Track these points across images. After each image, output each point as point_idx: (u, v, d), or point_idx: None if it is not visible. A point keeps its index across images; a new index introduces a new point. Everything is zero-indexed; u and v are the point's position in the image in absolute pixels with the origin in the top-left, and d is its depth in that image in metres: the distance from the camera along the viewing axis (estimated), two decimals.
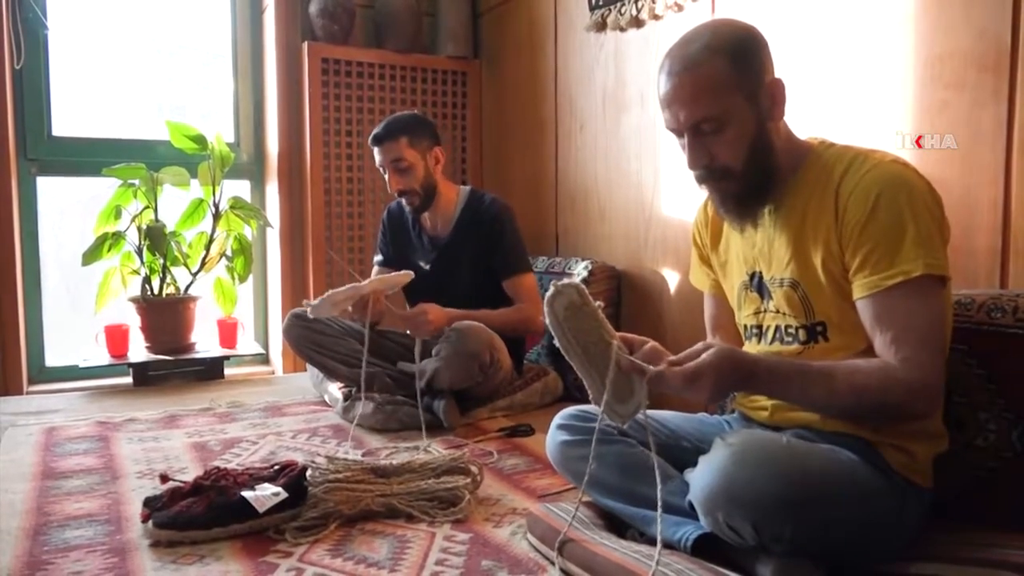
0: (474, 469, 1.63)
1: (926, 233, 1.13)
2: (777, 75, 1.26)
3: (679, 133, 1.25)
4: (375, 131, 2.34)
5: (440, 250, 2.42)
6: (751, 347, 1.37)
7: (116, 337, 2.86)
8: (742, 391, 1.29)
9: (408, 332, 2.21)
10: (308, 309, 2.02)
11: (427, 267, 2.44)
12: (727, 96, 1.20)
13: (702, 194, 1.40)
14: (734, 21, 1.29)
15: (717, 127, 1.21)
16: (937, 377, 1.13)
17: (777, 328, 1.31)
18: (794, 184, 1.27)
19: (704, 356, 1.11)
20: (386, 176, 2.36)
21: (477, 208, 2.39)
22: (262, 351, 3.25)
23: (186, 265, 2.93)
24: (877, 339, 1.16)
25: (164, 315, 2.90)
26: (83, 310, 2.99)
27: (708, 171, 1.25)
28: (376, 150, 2.34)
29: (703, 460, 1.13)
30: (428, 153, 2.35)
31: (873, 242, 1.15)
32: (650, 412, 1.45)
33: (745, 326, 1.39)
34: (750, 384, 1.18)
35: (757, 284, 1.35)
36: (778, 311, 1.30)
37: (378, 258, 2.58)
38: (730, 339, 1.48)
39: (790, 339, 1.29)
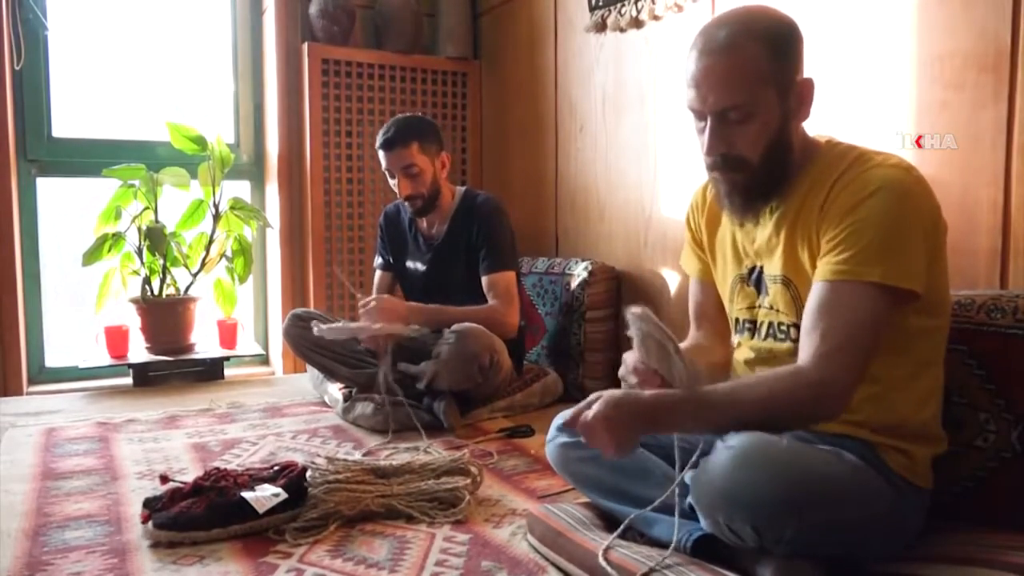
0: (474, 470, 1.63)
1: (900, 243, 1.12)
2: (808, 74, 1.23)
3: (701, 116, 1.22)
4: (385, 136, 2.29)
5: (434, 250, 2.42)
6: (744, 342, 1.37)
7: (116, 338, 2.86)
8: (654, 433, 1.25)
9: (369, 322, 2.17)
10: (317, 330, 2.12)
11: (422, 268, 2.44)
12: (760, 87, 1.16)
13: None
14: (775, 10, 1.23)
15: (743, 117, 1.18)
16: (851, 381, 1.11)
17: (770, 325, 1.31)
18: (797, 182, 1.25)
19: (593, 410, 1.13)
20: (392, 181, 2.35)
21: (470, 207, 2.39)
22: (262, 352, 3.25)
23: (186, 266, 2.93)
24: (809, 322, 1.14)
25: (164, 316, 2.90)
26: (83, 311, 3.00)
27: (723, 159, 1.22)
28: (385, 155, 2.31)
29: (704, 462, 1.13)
30: (436, 158, 2.34)
31: (846, 233, 1.14)
32: None
33: (737, 320, 1.38)
34: (658, 427, 1.18)
35: (756, 279, 1.34)
36: (772, 307, 1.30)
37: (378, 262, 2.60)
38: (715, 331, 1.47)
39: (782, 336, 1.29)
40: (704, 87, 1.18)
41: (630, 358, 1.23)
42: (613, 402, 1.13)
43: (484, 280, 2.32)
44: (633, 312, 1.16)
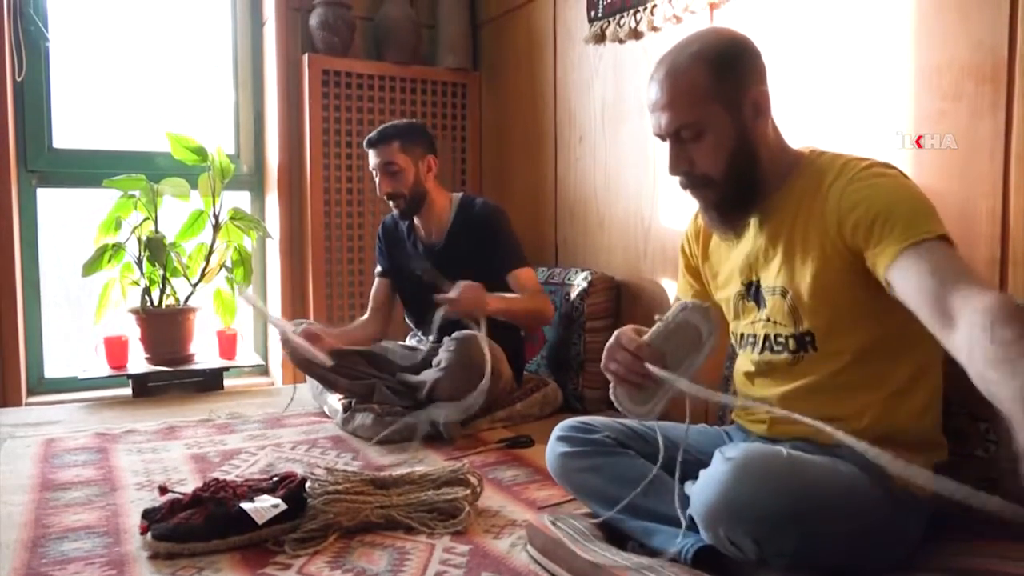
0: (474, 480, 1.62)
1: (927, 205, 1.14)
2: (765, 86, 1.26)
3: (662, 139, 1.28)
4: (370, 135, 2.40)
5: (435, 257, 2.43)
6: (746, 356, 1.37)
7: (115, 348, 2.86)
8: None
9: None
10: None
11: (422, 275, 2.45)
12: (704, 104, 1.21)
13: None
14: (726, 30, 1.30)
15: (695, 135, 1.23)
16: None
17: (767, 337, 1.31)
18: (784, 193, 1.27)
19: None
20: (376, 179, 2.40)
21: (468, 213, 2.42)
22: (261, 362, 3.24)
23: (186, 276, 2.93)
24: (928, 291, 1.03)
25: (164, 326, 2.90)
26: (83, 321, 2.99)
27: (688, 178, 1.27)
28: (370, 153, 2.40)
29: (704, 474, 1.13)
30: (420, 160, 2.38)
31: (883, 218, 1.12)
32: (648, 422, 1.45)
33: (742, 335, 1.38)
34: None
35: (755, 292, 1.34)
36: (769, 319, 1.30)
37: (378, 270, 2.62)
38: None
39: (779, 348, 1.29)
40: (657, 111, 1.25)
41: (630, 333, 1.27)
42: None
43: (510, 277, 2.35)
44: (695, 302, 1.27)
